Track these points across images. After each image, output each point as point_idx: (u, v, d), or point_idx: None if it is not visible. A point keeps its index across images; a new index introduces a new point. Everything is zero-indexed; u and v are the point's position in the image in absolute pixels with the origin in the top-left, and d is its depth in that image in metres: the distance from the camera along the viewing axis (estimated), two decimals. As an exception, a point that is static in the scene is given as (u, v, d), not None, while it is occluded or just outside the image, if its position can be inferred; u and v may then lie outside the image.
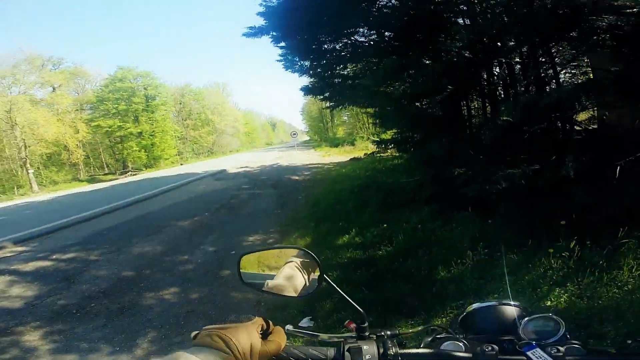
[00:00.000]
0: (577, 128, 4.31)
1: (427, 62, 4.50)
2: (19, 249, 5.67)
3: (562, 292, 2.18)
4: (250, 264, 0.84)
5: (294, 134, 32.63)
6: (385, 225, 4.15)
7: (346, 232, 4.30)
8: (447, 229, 3.63)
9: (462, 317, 0.76)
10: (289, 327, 0.70)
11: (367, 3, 5.29)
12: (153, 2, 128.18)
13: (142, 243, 5.17)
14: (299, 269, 0.81)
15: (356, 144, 23.63)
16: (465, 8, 4.68)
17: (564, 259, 2.40)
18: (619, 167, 2.84)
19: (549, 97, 3.15)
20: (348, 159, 14.76)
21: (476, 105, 6.44)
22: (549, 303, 2.13)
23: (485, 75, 4.94)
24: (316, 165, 14.85)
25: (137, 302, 3.23)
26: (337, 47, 6.69)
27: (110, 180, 24.05)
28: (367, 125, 27.42)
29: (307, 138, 59.41)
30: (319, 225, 4.95)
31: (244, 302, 3.04)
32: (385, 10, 5.31)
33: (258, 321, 0.60)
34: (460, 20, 4.88)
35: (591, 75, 4.66)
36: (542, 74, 4.74)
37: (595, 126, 4.18)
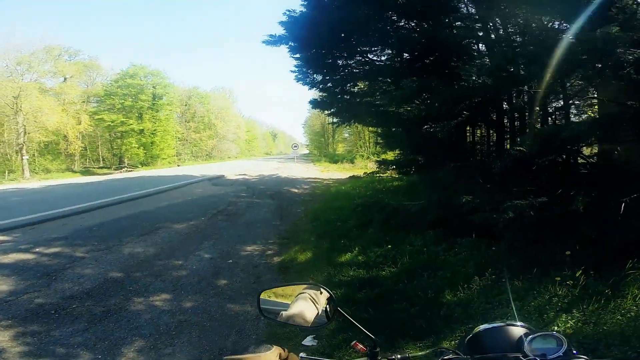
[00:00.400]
0: (582, 161, 4.33)
1: (443, 87, 4.49)
2: (0, 238, 5.33)
3: (569, 317, 2.22)
4: (268, 295, 0.92)
5: (295, 146, 32.78)
6: (389, 246, 4.03)
7: (348, 250, 4.17)
8: (452, 254, 3.60)
9: (470, 338, 0.77)
10: (303, 354, 0.72)
11: (383, 23, 5.35)
12: (173, 4, 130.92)
13: (133, 243, 4.93)
14: (311, 300, 0.86)
15: (356, 162, 23.69)
16: (484, 34, 4.75)
17: (568, 287, 2.46)
18: (623, 204, 2.88)
19: (569, 130, 3.13)
20: (347, 176, 14.70)
21: (480, 133, 6.47)
22: (556, 328, 2.15)
23: (495, 103, 4.96)
24: (315, 180, 14.80)
25: (124, 307, 2.99)
26: (351, 63, 6.74)
27: (105, 174, 23.71)
28: (368, 144, 27.61)
29: (307, 152, 59.61)
30: (319, 241, 4.81)
31: (242, 315, 2.86)
32: (403, 32, 5.37)
33: (276, 350, 0.64)
34: (481, 47, 4.95)
35: (596, 107, 4.72)
36: (556, 105, 4.78)
37: (595, 160, 4.21)
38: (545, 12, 3.84)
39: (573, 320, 2.19)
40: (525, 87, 4.32)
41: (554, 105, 4.85)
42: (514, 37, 4.46)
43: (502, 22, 4.65)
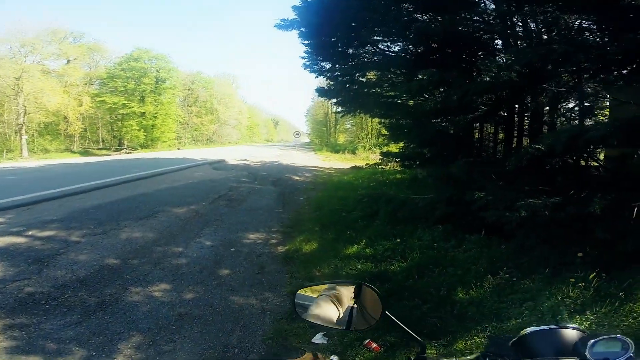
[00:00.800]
0: (594, 164, 4.26)
1: (463, 80, 4.32)
2: (-9, 219, 5.04)
3: (582, 319, 2.20)
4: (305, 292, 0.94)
5: (297, 134, 32.68)
6: (397, 239, 3.93)
7: (355, 242, 4.06)
8: (461, 250, 3.54)
9: (515, 341, 0.74)
10: (334, 357, 0.78)
11: (399, 14, 5.12)
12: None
13: (131, 227, 4.78)
14: (332, 301, 0.85)
15: (357, 152, 23.58)
16: (504, 30, 4.54)
17: (580, 288, 2.47)
18: (636, 208, 2.84)
19: (596, 130, 2.99)
20: (349, 166, 14.60)
21: (487, 130, 6.33)
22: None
23: (511, 100, 4.80)
24: (317, 168, 14.69)
25: (120, 297, 2.82)
26: (362, 53, 6.52)
27: (104, 155, 23.54)
28: (370, 135, 27.39)
29: (308, 140, 59.34)
30: (324, 231, 4.68)
31: (246, 309, 2.73)
32: (420, 24, 5.15)
33: (308, 356, 0.66)
34: (498, 42, 4.75)
35: (606, 111, 4.65)
36: (567, 105, 4.66)
37: (604, 162, 4.14)
38: (574, 11, 3.64)
39: (587, 322, 2.18)
40: (547, 85, 4.18)
41: (566, 105, 4.74)
42: (539, 35, 4.27)
43: (523, 20, 4.46)
